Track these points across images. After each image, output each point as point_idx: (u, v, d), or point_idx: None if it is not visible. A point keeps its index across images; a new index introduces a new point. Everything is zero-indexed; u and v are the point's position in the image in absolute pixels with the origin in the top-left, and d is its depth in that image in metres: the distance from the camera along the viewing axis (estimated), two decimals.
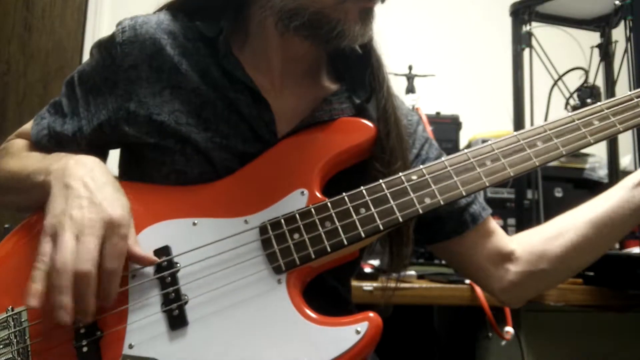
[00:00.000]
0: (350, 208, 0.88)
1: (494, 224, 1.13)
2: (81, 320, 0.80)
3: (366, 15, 0.96)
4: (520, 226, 1.96)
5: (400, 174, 0.91)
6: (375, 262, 1.77)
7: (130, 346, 0.82)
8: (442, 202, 0.89)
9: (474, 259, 1.11)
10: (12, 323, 0.84)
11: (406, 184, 0.90)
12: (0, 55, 2.79)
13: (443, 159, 0.93)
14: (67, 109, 1.03)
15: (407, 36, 2.88)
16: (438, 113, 2.31)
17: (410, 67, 2.41)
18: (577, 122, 0.96)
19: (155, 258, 0.86)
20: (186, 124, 0.96)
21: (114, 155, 1.09)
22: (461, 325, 2.16)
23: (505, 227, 2.05)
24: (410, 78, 2.39)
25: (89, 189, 0.84)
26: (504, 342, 1.65)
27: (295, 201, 0.90)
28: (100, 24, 2.93)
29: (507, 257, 1.09)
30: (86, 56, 2.93)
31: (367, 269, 1.73)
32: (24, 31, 2.83)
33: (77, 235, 0.79)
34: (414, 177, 0.91)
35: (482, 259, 1.10)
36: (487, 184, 0.90)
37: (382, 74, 1.06)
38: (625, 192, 1.02)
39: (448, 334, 2.27)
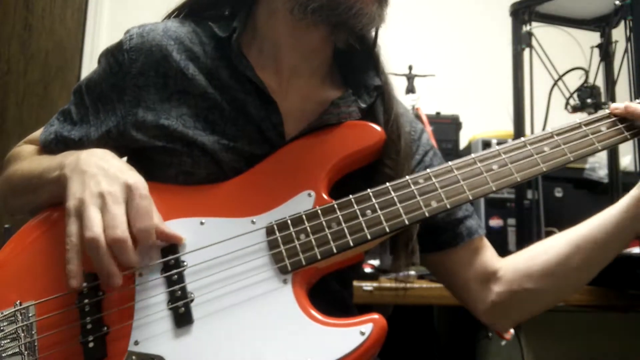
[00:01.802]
0: (357, 210, 0.89)
1: (487, 243, 1.12)
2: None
3: None
4: (520, 226, 1.96)
5: (407, 177, 0.92)
6: (375, 262, 1.78)
7: (136, 342, 0.83)
8: (448, 206, 0.89)
9: (461, 275, 1.10)
10: (20, 317, 0.85)
11: (413, 187, 0.91)
12: (0, 55, 2.78)
13: (450, 163, 0.93)
14: (76, 117, 1.04)
15: (407, 36, 2.88)
16: (438, 113, 2.31)
17: (410, 67, 2.41)
18: (585, 128, 0.96)
19: (182, 237, 0.88)
20: (193, 127, 0.97)
21: None
22: (461, 325, 2.16)
23: (505, 227, 2.05)
24: (410, 78, 2.39)
25: (102, 167, 0.87)
26: (504, 342, 1.65)
27: (302, 202, 0.91)
28: (100, 24, 2.92)
29: (491, 276, 1.08)
30: (86, 56, 2.94)
31: (367, 269, 1.73)
32: (24, 31, 2.82)
33: (100, 208, 0.81)
34: (421, 181, 0.91)
35: (469, 276, 1.09)
36: (494, 189, 0.91)
37: (385, 77, 1.07)
38: (611, 216, 1.01)
39: (448, 334, 2.27)
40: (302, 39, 1.02)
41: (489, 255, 1.11)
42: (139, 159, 1.02)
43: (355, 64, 1.08)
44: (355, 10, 0.94)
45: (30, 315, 0.85)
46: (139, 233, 0.82)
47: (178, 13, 1.09)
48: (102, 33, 2.90)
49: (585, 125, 0.96)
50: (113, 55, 1.02)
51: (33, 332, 0.84)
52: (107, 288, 0.85)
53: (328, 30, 1.00)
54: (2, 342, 0.83)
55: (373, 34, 1.07)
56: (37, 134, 1.09)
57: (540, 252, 1.05)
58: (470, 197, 0.90)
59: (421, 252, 1.10)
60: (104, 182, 0.84)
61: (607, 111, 0.98)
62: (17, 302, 0.86)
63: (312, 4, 0.95)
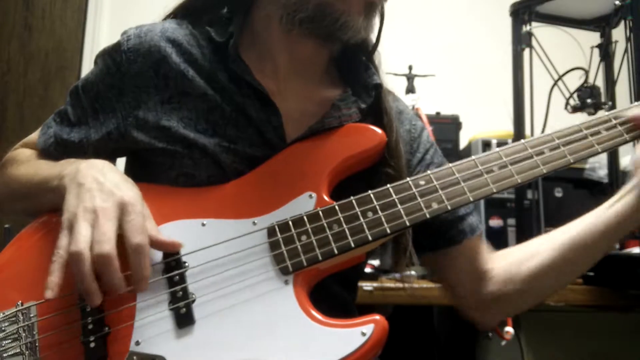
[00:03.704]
0: (358, 212, 0.89)
1: (484, 241, 1.13)
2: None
3: (370, 9, 0.98)
4: (520, 226, 1.97)
5: (408, 179, 0.92)
6: (375, 262, 1.78)
7: (137, 343, 0.83)
8: (449, 208, 0.90)
9: (457, 271, 1.10)
10: (21, 317, 0.85)
11: (414, 189, 0.91)
12: (0, 55, 2.78)
13: (451, 165, 0.93)
14: (74, 118, 1.04)
15: (407, 36, 2.88)
16: (438, 113, 2.31)
17: (410, 67, 2.42)
18: (584, 131, 0.96)
19: (179, 242, 0.87)
20: (194, 129, 0.97)
21: (120, 161, 1.10)
22: (461, 325, 2.16)
23: (505, 227, 2.05)
24: (410, 78, 2.40)
25: (99, 182, 0.86)
26: (504, 342, 1.65)
27: (304, 204, 0.91)
28: (100, 24, 2.92)
29: (484, 274, 1.10)
30: (86, 56, 2.94)
31: (367, 269, 1.73)
32: (24, 31, 2.82)
33: (91, 223, 0.80)
34: (422, 182, 0.92)
35: (465, 273, 1.10)
36: (495, 191, 0.92)
37: (382, 78, 1.07)
38: (598, 216, 1.02)
39: (448, 334, 2.27)
40: (296, 46, 1.02)
41: (485, 253, 1.12)
42: (139, 161, 1.02)
43: (354, 62, 1.08)
44: (341, 23, 0.95)
45: (31, 315, 0.85)
46: (130, 249, 0.81)
47: (175, 15, 1.09)
48: (102, 33, 2.90)
49: (586, 128, 0.97)
50: (110, 56, 1.02)
51: (34, 332, 0.84)
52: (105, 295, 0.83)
53: (319, 42, 1.00)
54: (4, 342, 0.83)
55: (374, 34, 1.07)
56: (34, 136, 1.08)
57: (529, 256, 1.07)
58: (471, 199, 0.91)
59: (424, 250, 1.11)
60: (98, 197, 0.83)
61: (606, 114, 0.98)
62: (19, 302, 0.86)
63: (299, 14, 0.96)
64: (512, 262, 1.09)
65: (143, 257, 0.81)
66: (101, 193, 0.83)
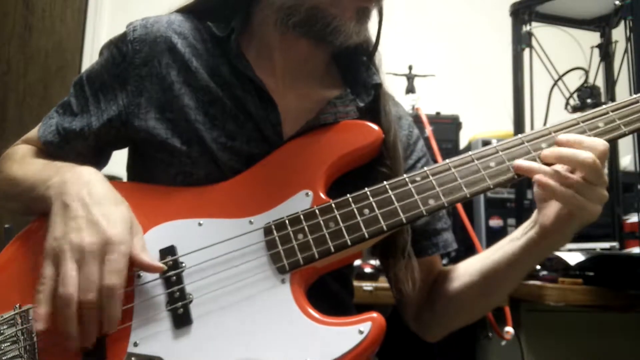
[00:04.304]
0: (355, 209, 0.89)
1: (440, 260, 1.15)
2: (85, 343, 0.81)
3: (362, 14, 0.98)
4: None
5: (405, 175, 0.92)
6: (375, 262, 1.77)
7: (135, 344, 0.83)
8: (446, 204, 0.89)
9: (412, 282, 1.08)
10: (20, 320, 0.84)
11: (410, 185, 0.91)
12: (0, 55, 2.78)
13: (447, 160, 0.93)
14: (77, 108, 1.04)
15: (407, 36, 2.88)
16: (438, 113, 2.31)
17: (410, 67, 2.42)
18: (582, 124, 0.94)
19: (162, 265, 0.86)
20: (194, 120, 0.97)
21: (122, 159, 1.10)
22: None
23: (505, 227, 2.05)
24: (410, 78, 2.40)
25: (86, 207, 0.84)
26: (504, 342, 1.65)
27: (300, 202, 0.91)
28: (100, 24, 2.93)
29: (431, 291, 1.11)
30: (86, 56, 2.94)
31: (367, 269, 1.73)
32: (24, 31, 2.82)
33: (78, 261, 0.80)
34: (418, 179, 0.91)
35: (419, 286, 1.08)
36: (491, 186, 0.90)
37: (382, 78, 1.07)
38: (505, 248, 1.01)
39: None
40: (291, 47, 1.02)
41: (439, 271, 1.13)
42: (140, 157, 1.03)
43: (354, 62, 1.08)
44: (332, 27, 0.95)
45: (30, 318, 0.84)
46: (103, 289, 0.79)
47: (181, 12, 1.09)
48: (102, 33, 2.90)
49: (584, 121, 0.95)
50: (116, 47, 1.02)
51: (33, 335, 0.84)
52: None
53: (313, 43, 1.01)
54: (2, 345, 0.83)
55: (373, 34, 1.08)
56: (34, 132, 1.08)
57: (453, 278, 1.08)
58: (468, 195, 0.90)
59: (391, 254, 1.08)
60: (85, 231, 0.81)
61: (603, 107, 0.97)
62: (17, 305, 0.86)
63: (292, 18, 0.96)
64: (443, 285, 1.09)
65: (114, 299, 0.80)
66: (88, 225, 0.82)
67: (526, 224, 0.98)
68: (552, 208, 0.92)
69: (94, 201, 0.85)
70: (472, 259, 1.07)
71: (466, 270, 1.06)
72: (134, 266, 0.84)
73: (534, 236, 0.95)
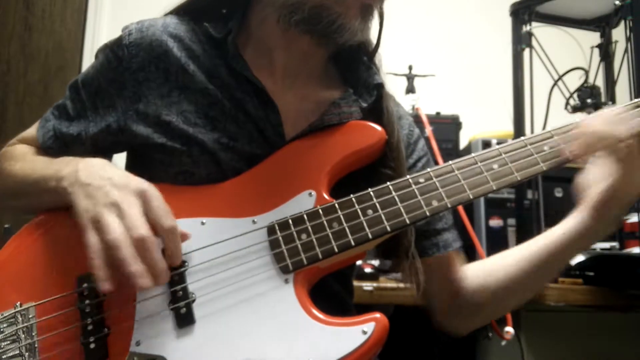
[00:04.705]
0: (358, 209, 0.89)
1: (460, 257, 1.14)
2: (158, 282, 0.80)
3: (366, 11, 0.98)
4: (520, 226, 1.97)
5: (408, 176, 0.92)
6: (375, 262, 1.78)
7: (138, 343, 0.83)
8: (449, 205, 0.89)
9: (430, 284, 1.09)
10: (20, 319, 0.84)
11: (414, 186, 0.91)
12: (0, 55, 2.78)
13: (450, 162, 0.93)
14: (73, 112, 1.04)
15: (407, 36, 2.88)
16: (438, 113, 2.31)
17: (410, 67, 2.42)
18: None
19: (186, 232, 0.87)
20: (194, 124, 0.97)
21: (121, 161, 1.09)
22: None
23: (505, 227, 2.05)
24: (410, 78, 2.40)
25: (106, 177, 0.85)
26: (504, 342, 1.65)
27: (303, 202, 0.90)
28: (100, 24, 2.92)
29: (456, 289, 1.11)
30: (86, 56, 2.93)
31: (367, 269, 1.73)
32: (24, 31, 2.82)
33: (117, 214, 0.80)
34: (422, 180, 0.91)
35: (435, 286, 1.10)
36: (495, 188, 0.91)
37: (382, 77, 1.07)
38: (554, 237, 1.03)
39: (448, 334, 2.27)
40: (293, 44, 1.02)
41: (458, 269, 1.12)
42: (139, 159, 1.02)
43: (354, 62, 1.08)
44: (337, 25, 0.95)
45: (30, 316, 0.84)
46: (165, 233, 0.81)
47: (176, 13, 1.09)
48: (102, 33, 2.90)
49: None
50: (112, 51, 1.02)
51: (33, 334, 0.83)
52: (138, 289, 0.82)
53: (315, 40, 1.00)
54: (2, 343, 0.82)
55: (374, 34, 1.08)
56: (32, 131, 1.08)
57: (498, 268, 1.09)
58: (471, 197, 0.90)
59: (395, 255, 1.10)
60: (113, 191, 0.82)
61: (606, 111, 0.98)
62: (18, 304, 0.85)
63: (295, 16, 0.96)
64: (483, 274, 1.10)
65: (177, 237, 0.82)
66: (114, 187, 0.83)
67: (567, 220, 1.02)
68: (597, 188, 0.96)
69: (112, 174, 0.86)
70: (508, 252, 1.09)
71: (507, 260, 1.08)
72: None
73: (585, 217, 0.98)
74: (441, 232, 1.11)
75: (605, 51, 2.05)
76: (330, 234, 0.87)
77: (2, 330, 0.83)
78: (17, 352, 0.82)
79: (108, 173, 0.86)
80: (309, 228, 0.88)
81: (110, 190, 0.82)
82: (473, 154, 0.93)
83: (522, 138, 0.95)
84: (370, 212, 0.89)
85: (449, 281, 1.11)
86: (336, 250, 0.86)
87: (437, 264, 1.10)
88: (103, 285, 0.78)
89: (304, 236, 0.87)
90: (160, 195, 0.84)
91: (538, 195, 1.98)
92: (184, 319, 0.84)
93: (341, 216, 0.88)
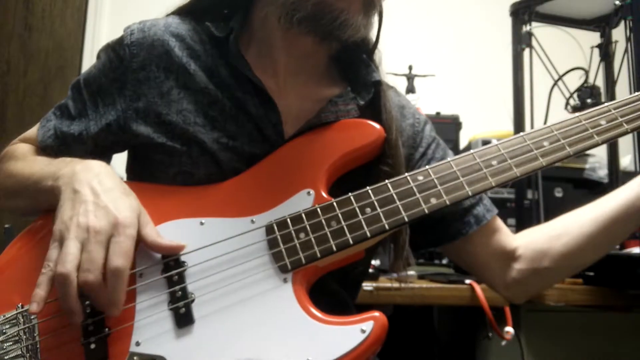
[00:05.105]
0: (356, 208, 0.89)
1: (499, 223, 1.13)
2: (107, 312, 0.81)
3: (369, 7, 0.98)
4: (521, 226, 1.96)
5: (407, 174, 0.91)
6: (376, 262, 1.77)
7: (137, 343, 0.83)
8: (447, 202, 0.89)
9: (479, 257, 1.11)
10: (22, 320, 0.84)
11: (412, 184, 0.90)
12: (0, 55, 2.78)
13: (449, 159, 0.93)
14: (74, 112, 1.04)
15: (407, 36, 2.89)
16: (438, 113, 2.32)
17: (410, 67, 2.42)
18: (584, 122, 0.95)
19: (182, 244, 0.87)
20: (194, 123, 0.97)
21: (121, 159, 1.10)
22: (461, 325, 2.16)
23: None
24: (410, 78, 2.40)
25: (95, 192, 0.84)
26: (504, 342, 1.65)
27: (302, 201, 0.90)
28: (100, 24, 2.93)
29: (511, 255, 1.10)
30: (86, 56, 2.94)
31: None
32: (24, 31, 2.82)
33: (82, 242, 0.79)
34: (420, 178, 0.91)
35: (487, 257, 1.11)
36: (494, 184, 0.90)
37: (382, 74, 1.07)
38: (630, 191, 1.02)
39: (448, 334, 2.27)
40: (294, 43, 1.02)
41: (503, 235, 1.12)
42: (139, 159, 1.02)
43: (353, 60, 1.08)
44: (340, 21, 0.95)
45: (32, 317, 0.84)
46: (108, 272, 0.79)
47: (177, 13, 1.10)
48: (102, 33, 2.90)
49: (585, 119, 0.95)
50: (114, 50, 1.02)
51: (35, 335, 0.84)
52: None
53: (317, 39, 1.00)
54: (5, 344, 0.83)
55: (374, 33, 1.08)
56: (33, 131, 1.08)
57: (562, 233, 1.06)
58: (470, 193, 0.90)
59: (435, 244, 1.13)
60: (92, 213, 0.81)
61: (606, 104, 0.97)
62: (19, 305, 0.86)
63: (297, 14, 0.95)
64: (543, 239, 1.09)
65: (119, 281, 0.79)
66: (96, 209, 0.82)
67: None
68: None
69: (104, 189, 0.85)
70: (576, 212, 1.08)
71: (574, 223, 1.06)
72: (154, 250, 0.86)
73: None
74: (470, 210, 1.10)
75: (605, 51, 2.05)
76: (328, 233, 0.87)
77: (4, 331, 0.84)
78: (19, 352, 0.82)
79: (99, 185, 0.86)
80: (308, 227, 0.88)
81: (90, 210, 0.82)
82: (472, 150, 0.93)
83: (522, 133, 0.94)
84: (368, 210, 0.88)
85: (498, 249, 1.11)
86: (335, 249, 0.86)
87: (477, 238, 1.10)
88: (32, 306, 0.77)
89: (302, 235, 0.87)
90: (132, 233, 0.82)
91: (538, 195, 1.98)
92: (183, 319, 0.83)
93: (339, 215, 0.88)
